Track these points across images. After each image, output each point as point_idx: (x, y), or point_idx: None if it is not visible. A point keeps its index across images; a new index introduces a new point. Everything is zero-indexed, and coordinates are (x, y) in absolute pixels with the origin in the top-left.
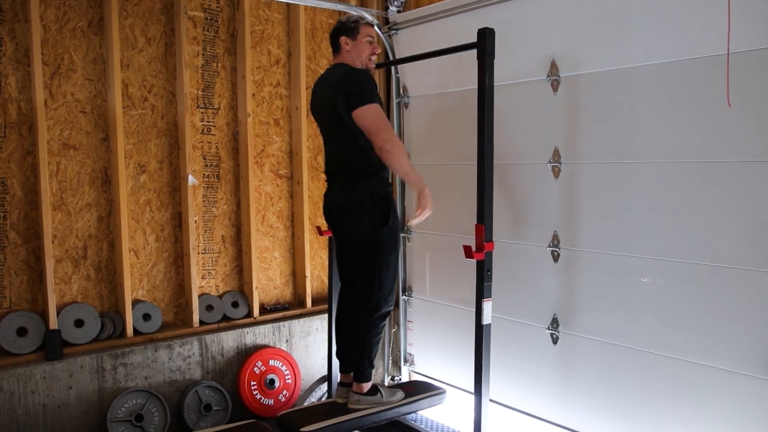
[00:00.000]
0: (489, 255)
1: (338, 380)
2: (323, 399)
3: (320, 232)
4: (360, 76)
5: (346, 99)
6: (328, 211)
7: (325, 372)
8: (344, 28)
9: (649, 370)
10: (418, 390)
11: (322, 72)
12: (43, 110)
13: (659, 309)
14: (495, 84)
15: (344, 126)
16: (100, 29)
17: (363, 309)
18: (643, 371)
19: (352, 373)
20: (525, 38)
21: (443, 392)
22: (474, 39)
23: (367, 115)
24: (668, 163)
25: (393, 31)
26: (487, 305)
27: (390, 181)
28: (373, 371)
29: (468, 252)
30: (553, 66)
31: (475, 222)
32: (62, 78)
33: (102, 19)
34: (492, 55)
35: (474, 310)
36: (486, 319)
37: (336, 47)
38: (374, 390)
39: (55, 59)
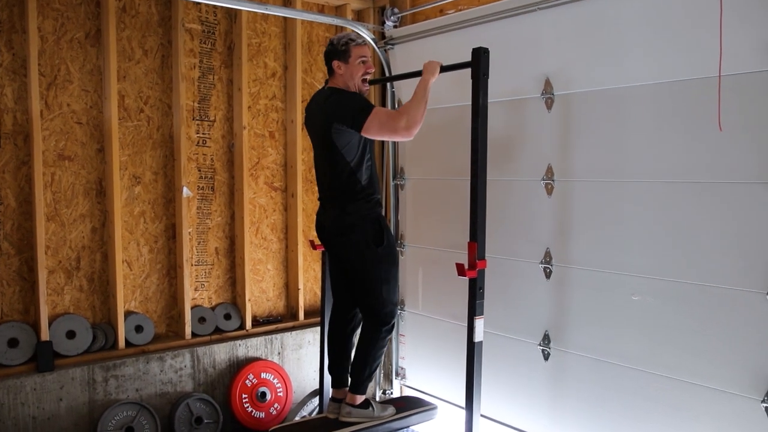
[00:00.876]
0: (481, 273)
1: (330, 395)
2: (314, 413)
3: (314, 246)
4: (346, 97)
5: (345, 122)
6: (322, 231)
7: (316, 385)
8: (335, 52)
9: (639, 387)
10: (410, 405)
11: (318, 86)
12: (39, 121)
13: (650, 327)
14: (489, 101)
15: (334, 151)
16: (97, 41)
17: (370, 324)
18: (633, 389)
19: (345, 389)
20: (520, 56)
21: (434, 408)
22: (468, 56)
23: (374, 125)
24: (660, 182)
25: (389, 46)
26: (479, 323)
27: (381, 201)
28: (370, 384)
29: (460, 270)
30: (548, 84)
31: (468, 239)
32: (59, 89)
33: (99, 30)
34: (486, 74)
35: (466, 325)
36: (478, 337)
37: (329, 70)
38: (366, 404)
39: (51, 70)
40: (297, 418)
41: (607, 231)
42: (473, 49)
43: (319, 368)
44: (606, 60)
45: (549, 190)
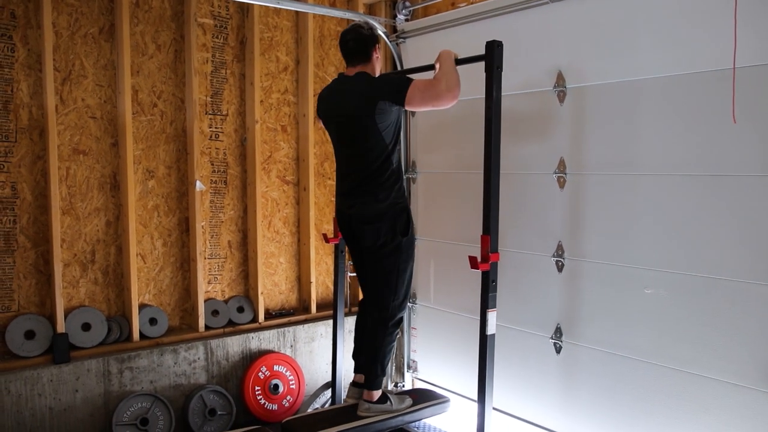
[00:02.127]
0: (494, 266)
1: (349, 382)
2: (327, 405)
3: (326, 240)
4: (382, 78)
5: (390, 98)
6: (346, 222)
7: (328, 378)
8: (375, 39)
9: (651, 380)
10: (422, 398)
11: (331, 78)
12: (54, 116)
13: (662, 320)
14: (502, 94)
15: (368, 135)
16: (111, 36)
17: (378, 316)
18: (645, 382)
19: (364, 391)
20: (532, 49)
21: (447, 400)
22: (481, 49)
23: (416, 95)
24: (673, 175)
25: (401, 40)
26: (492, 316)
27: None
28: (384, 379)
29: (473, 263)
30: (560, 77)
31: (481, 232)
32: (73, 84)
33: (113, 26)
34: (500, 67)
35: (478, 318)
36: (490, 330)
37: (365, 57)
38: (384, 398)
39: (66, 65)
40: (309, 410)
41: (619, 224)
42: (487, 43)
43: (332, 360)
44: (618, 53)
45: (561, 183)
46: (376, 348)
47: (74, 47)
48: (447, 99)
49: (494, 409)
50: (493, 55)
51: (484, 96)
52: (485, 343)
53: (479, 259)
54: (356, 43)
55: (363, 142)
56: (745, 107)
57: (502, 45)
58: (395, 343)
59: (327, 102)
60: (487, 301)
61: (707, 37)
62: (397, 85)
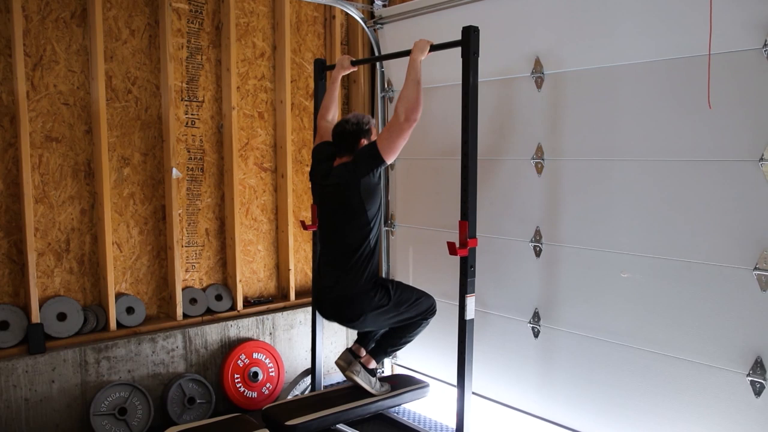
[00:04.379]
0: (472, 251)
1: (347, 348)
2: (307, 392)
3: (304, 226)
4: (356, 155)
5: (367, 168)
6: (322, 305)
7: (308, 365)
8: (363, 131)
9: (628, 363)
10: (402, 383)
11: (308, 66)
12: (25, 102)
13: (638, 304)
14: (479, 80)
15: (354, 206)
16: (83, 20)
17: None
18: (622, 364)
19: (363, 349)
20: (510, 35)
21: (426, 386)
22: (459, 35)
23: (384, 142)
24: (650, 161)
25: (378, 26)
26: (470, 301)
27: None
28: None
29: (452, 248)
30: (538, 63)
31: (458, 218)
32: (45, 69)
33: (85, 10)
34: (476, 53)
35: (457, 304)
36: (469, 315)
37: (351, 149)
38: (374, 372)
39: (37, 50)
40: (289, 397)
41: (596, 209)
42: (463, 28)
43: (312, 347)
44: (596, 39)
45: (539, 169)
46: (403, 329)
47: (45, 32)
48: (408, 126)
49: (474, 393)
50: (469, 41)
51: (460, 82)
52: (464, 328)
53: (457, 245)
54: (340, 137)
55: (347, 214)
56: (722, 93)
57: (478, 30)
58: (422, 331)
59: (319, 159)
60: (465, 287)
61: (685, 23)
62: (368, 153)
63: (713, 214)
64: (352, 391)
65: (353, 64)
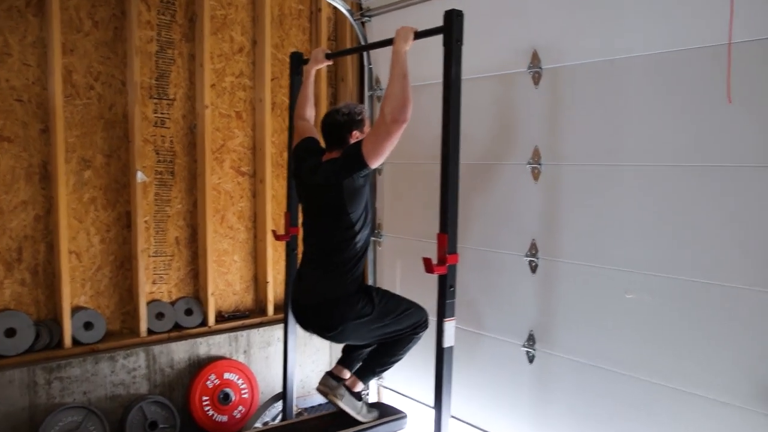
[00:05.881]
0: (452, 269)
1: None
2: (278, 419)
3: (276, 237)
4: (341, 155)
5: (349, 172)
6: (298, 311)
7: None
8: (354, 122)
9: (632, 396)
10: (381, 413)
11: None
12: None
13: (645, 329)
14: (470, 77)
15: (337, 207)
16: (40, 10)
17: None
18: (625, 397)
19: (346, 371)
20: (505, 27)
21: (404, 416)
22: (466, 23)
23: (369, 146)
24: (660, 166)
25: (366, 18)
26: (449, 326)
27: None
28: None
29: (428, 266)
30: (535, 57)
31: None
32: None
33: None
34: (460, 40)
35: None
36: (447, 342)
37: (340, 142)
38: (359, 396)
39: None
40: (258, 425)
41: (599, 221)
42: (446, 12)
43: (283, 370)
44: (600, 28)
45: (535, 175)
46: (389, 346)
47: None
48: (396, 128)
49: (462, 421)
50: (452, 27)
51: (462, 79)
52: (442, 357)
53: (435, 261)
54: (330, 128)
55: (329, 212)
56: (743, 88)
57: (462, 15)
58: (412, 348)
59: (302, 157)
60: (444, 310)
61: (700, 8)
62: (352, 154)
63: (732, 228)
64: (327, 420)
65: (328, 57)
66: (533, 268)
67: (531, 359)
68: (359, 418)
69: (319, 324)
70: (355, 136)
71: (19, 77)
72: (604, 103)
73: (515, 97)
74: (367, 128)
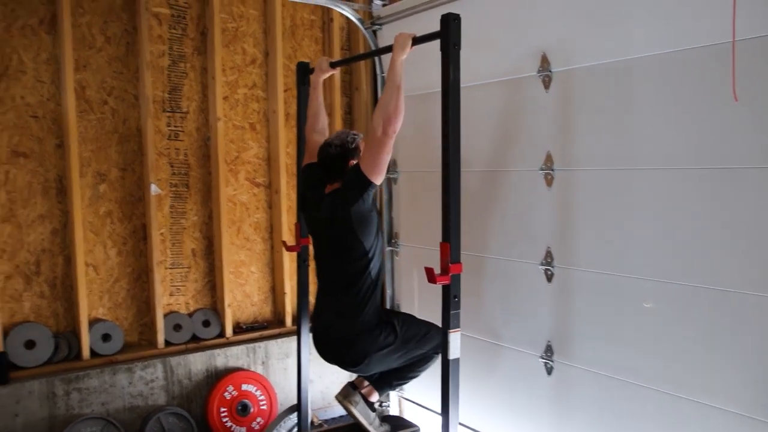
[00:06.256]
0: (456, 279)
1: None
2: (294, 431)
3: (287, 248)
4: (343, 183)
5: (356, 194)
6: (320, 346)
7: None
8: (348, 151)
9: (652, 410)
10: (393, 427)
11: None
12: None
13: (664, 339)
14: (479, 82)
15: (348, 238)
16: (52, 27)
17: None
18: (645, 411)
19: (366, 381)
20: (514, 30)
21: (416, 429)
22: (474, 28)
23: (367, 161)
24: (675, 169)
25: (377, 26)
26: (455, 337)
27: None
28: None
29: (430, 276)
30: (545, 60)
31: (471, 238)
32: (11, 80)
33: (55, 16)
34: (457, 44)
35: (469, 334)
36: (453, 353)
37: (339, 173)
38: (373, 408)
39: (2, 60)
40: None
41: (615, 227)
42: (442, 16)
43: (297, 381)
44: (609, 29)
45: (548, 181)
46: (410, 363)
47: (11, 40)
48: (387, 140)
49: None
50: (448, 31)
51: (468, 84)
52: (448, 370)
53: (438, 271)
54: (325, 161)
55: (339, 247)
56: (754, 86)
57: (459, 18)
58: (430, 366)
59: (311, 185)
60: (448, 321)
61: (709, 6)
62: (354, 178)
63: (755, 233)
64: None
65: (332, 65)
66: (549, 277)
67: (549, 371)
68: (370, 428)
69: (341, 359)
70: (352, 164)
71: (34, 94)
72: (616, 106)
73: (526, 102)
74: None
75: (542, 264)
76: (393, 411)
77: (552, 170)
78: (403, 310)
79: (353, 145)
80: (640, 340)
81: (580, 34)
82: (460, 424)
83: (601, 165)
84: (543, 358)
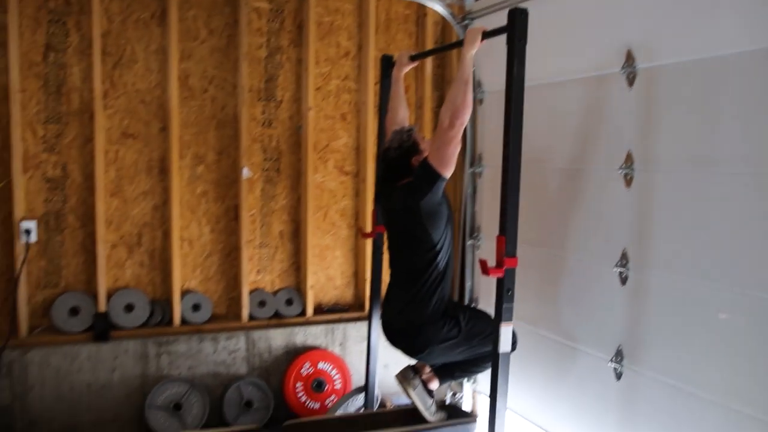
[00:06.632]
0: (510, 272)
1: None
2: (361, 410)
3: (362, 234)
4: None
5: (425, 189)
6: (387, 332)
7: (383, 380)
8: (407, 151)
9: (722, 427)
10: (450, 415)
11: None
12: (100, 100)
13: (738, 353)
14: (560, 79)
15: (417, 230)
16: (162, 21)
17: None
18: (714, 427)
19: (427, 366)
20: (598, 25)
21: (473, 421)
22: (548, 26)
23: (435, 156)
24: (762, 174)
25: (468, 20)
26: (506, 330)
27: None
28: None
29: (484, 268)
30: (629, 56)
31: (565, 233)
32: (124, 68)
33: (165, 11)
34: (523, 39)
35: (540, 331)
36: (503, 347)
37: (405, 172)
38: (432, 394)
39: (117, 50)
40: (339, 412)
41: (694, 231)
42: (509, 11)
43: (366, 363)
44: (700, 23)
45: (628, 181)
46: (474, 359)
47: (125, 32)
48: (455, 133)
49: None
50: (515, 26)
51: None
52: (497, 363)
53: (493, 264)
54: (389, 169)
55: (409, 239)
56: None
57: (526, 13)
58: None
59: (383, 202)
60: (500, 313)
61: None
62: (423, 173)
63: None
64: (398, 415)
65: (412, 59)
66: (623, 280)
67: (618, 376)
68: (426, 414)
69: (405, 346)
70: (416, 160)
71: (143, 81)
72: (702, 105)
73: (608, 100)
74: (423, 145)
75: (617, 266)
76: (466, 403)
77: (632, 170)
78: (482, 304)
79: (410, 142)
80: (712, 351)
81: (668, 29)
82: (527, 420)
83: (683, 166)
84: (613, 362)
